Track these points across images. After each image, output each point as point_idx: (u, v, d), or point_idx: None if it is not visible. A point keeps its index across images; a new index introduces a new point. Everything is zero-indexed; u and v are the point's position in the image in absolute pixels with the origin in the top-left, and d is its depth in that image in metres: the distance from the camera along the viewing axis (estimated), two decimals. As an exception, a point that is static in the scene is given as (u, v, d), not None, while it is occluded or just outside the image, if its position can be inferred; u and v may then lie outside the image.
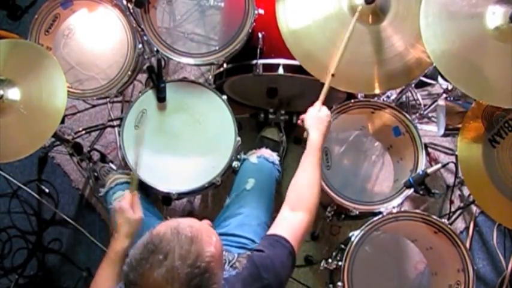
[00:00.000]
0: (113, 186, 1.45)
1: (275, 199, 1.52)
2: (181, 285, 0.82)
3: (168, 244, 0.84)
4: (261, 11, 1.53)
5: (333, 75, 1.35)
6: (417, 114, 1.96)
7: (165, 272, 0.82)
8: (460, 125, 1.48)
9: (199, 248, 0.85)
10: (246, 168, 1.52)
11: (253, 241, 1.34)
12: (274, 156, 1.58)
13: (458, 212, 1.99)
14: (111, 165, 2.00)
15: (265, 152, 1.57)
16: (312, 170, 1.24)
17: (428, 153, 2.08)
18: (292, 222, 1.15)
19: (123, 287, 1.03)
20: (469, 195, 1.99)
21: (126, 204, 1.19)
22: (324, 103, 1.36)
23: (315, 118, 1.32)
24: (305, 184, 1.22)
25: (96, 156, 2.03)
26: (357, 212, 1.51)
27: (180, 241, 0.84)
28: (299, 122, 1.39)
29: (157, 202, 1.62)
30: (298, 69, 1.44)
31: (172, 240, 0.84)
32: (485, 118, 1.46)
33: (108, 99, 2.03)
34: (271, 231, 1.14)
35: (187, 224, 0.89)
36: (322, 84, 1.38)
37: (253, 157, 1.54)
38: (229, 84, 1.77)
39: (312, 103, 1.37)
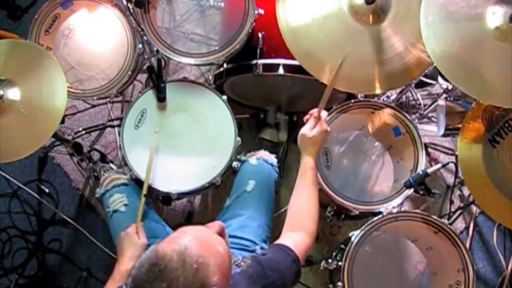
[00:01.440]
0: (109, 189, 1.44)
1: (274, 199, 1.52)
2: None
3: (172, 273, 0.81)
4: (261, 11, 1.53)
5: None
6: (417, 114, 1.96)
7: None
8: (460, 125, 1.48)
9: (205, 277, 0.82)
10: (245, 170, 1.52)
11: (254, 243, 1.35)
12: (272, 158, 1.58)
13: (458, 212, 1.99)
14: (111, 165, 2.00)
15: (264, 154, 1.58)
16: (306, 191, 1.26)
17: (428, 153, 2.08)
18: (294, 238, 1.18)
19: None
20: (469, 195, 1.99)
21: (132, 230, 1.29)
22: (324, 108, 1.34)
23: (306, 140, 1.30)
24: (300, 207, 1.25)
25: (96, 156, 2.03)
26: (357, 212, 1.51)
27: (185, 271, 0.82)
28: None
29: (157, 202, 1.62)
30: (298, 69, 1.44)
31: (177, 268, 0.81)
32: (485, 118, 1.46)
33: (108, 99, 2.03)
34: (276, 242, 1.17)
35: (196, 245, 0.84)
36: (323, 85, 1.38)
37: (253, 159, 1.54)
38: (229, 84, 1.77)
39: (311, 105, 1.36)
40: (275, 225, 1.50)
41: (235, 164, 1.53)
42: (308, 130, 1.30)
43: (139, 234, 1.29)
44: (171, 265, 0.82)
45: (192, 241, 0.85)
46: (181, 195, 1.54)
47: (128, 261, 1.22)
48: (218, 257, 0.86)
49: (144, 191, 1.38)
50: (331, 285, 1.54)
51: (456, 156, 1.47)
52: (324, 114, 1.33)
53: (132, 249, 1.25)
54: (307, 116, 1.35)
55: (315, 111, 1.32)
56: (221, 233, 0.96)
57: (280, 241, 1.16)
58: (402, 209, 1.47)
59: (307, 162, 1.28)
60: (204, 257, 0.83)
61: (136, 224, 1.32)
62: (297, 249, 1.13)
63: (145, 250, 1.18)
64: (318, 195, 1.26)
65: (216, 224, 0.98)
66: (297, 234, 1.19)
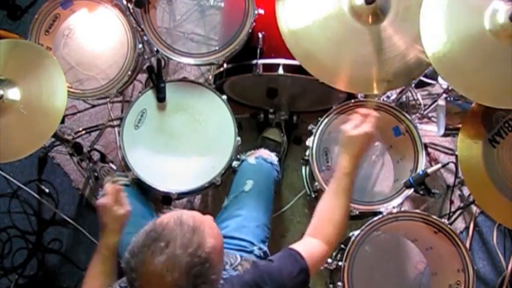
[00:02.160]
0: None
1: (274, 199, 1.51)
2: (181, 273, 0.83)
3: (170, 233, 0.85)
4: (261, 11, 1.53)
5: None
6: (417, 114, 1.96)
7: (165, 259, 0.83)
8: (460, 125, 1.48)
9: (201, 238, 0.86)
10: (244, 170, 1.52)
11: (252, 243, 1.34)
12: (272, 157, 1.57)
13: (458, 212, 1.99)
14: (111, 165, 2.00)
15: (264, 153, 1.57)
16: (335, 199, 1.17)
17: (428, 153, 2.08)
18: (311, 244, 1.13)
19: (122, 284, 1.04)
20: (469, 195, 1.99)
21: (109, 200, 1.15)
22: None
23: (347, 137, 1.18)
24: (326, 214, 1.17)
25: (96, 156, 2.03)
26: (357, 212, 1.51)
27: (183, 230, 0.85)
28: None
29: (157, 202, 1.62)
30: (298, 69, 1.44)
31: (174, 229, 0.85)
32: (485, 118, 1.46)
33: (108, 99, 2.03)
34: (291, 246, 1.11)
35: (191, 214, 0.90)
36: (323, 85, 1.38)
37: (252, 158, 1.54)
38: (229, 84, 1.77)
39: (313, 105, 1.35)
40: (275, 225, 1.50)
41: (235, 163, 1.53)
42: (350, 127, 1.20)
43: (120, 201, 1.16)
44: (169, 227, 0.86)
45: (186, 212, 0.91)
46: (181, 195, 1.54)
47: (111, 234, 1.15)
48: (211, 225, 0.92)
49: None
50: (331, 285, 1.54)
51: (456, 156, 1.47)
52: (373, 114, 1.23)
53: (113, 222, 1.15)
54: (354, 115, 1.25)
55: (362, 110, 1.24)
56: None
57: (294, 245, 1.11)
58: (402, 209, 1.47)
59: (343, 165, 1.17)
60: (198, 220, 0.89)
61: (112, 188, 1.17)
62: (310, 257, 1.07)
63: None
64: (348, 204, 1.17)
65: (207, 216, 0.97)
66: (315, 242, 1.13)
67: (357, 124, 1.20)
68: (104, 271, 1.13)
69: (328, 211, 1.17)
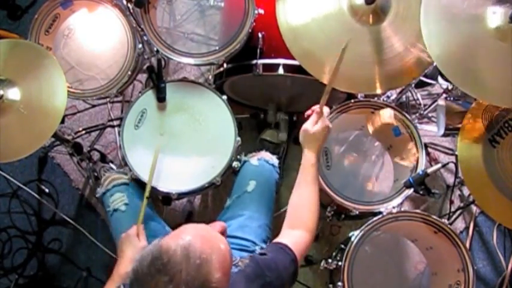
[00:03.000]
0: (110, 188, 1.44)
1: (274, 200, 1.52)
2: None
3: (175, 266, 0.82)
4: (261, 11, 1.53)
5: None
6: (417, 114, 1.96)
7: None
8: (460, 125, 1.48)
9: (207, 273, 0.83)
10: (246, 170, 1.52)
11: (254, 243, 1.35)
12: (274, 159, 1.58)
13: (458, 212, 1.99)
14: (111, 165, 2.00)
15: (266, 155, 1.57)
16: (307, 188, 1.25)
17: (428, 153, 2.08)
18: (293, 236, 1.18)
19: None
20: (469, 195, 1.99)
21: (132, 232, 1.26)
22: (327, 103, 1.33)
23: (309, 135, 1.29)
24: (301, 203, 1.25)
25: (96, 156, 2.03)
26: (357, 212, 1.51)
27: (188, 266, 0.82)
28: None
29: (157, 202, 1.62)
30: (298, 69, 1.44)
31: (180, 263, 0.82)
32: (485, 118, 1.46)
33: (108, 99, 2.03)
34: (274, 241, 1.17)
35: (199, 248, 0.84)
36: (323, 85, 1.38)
37: (254, 159, 1.54)
38: (229, 84, 1.77)
39: (312, 105, 1.36)
40: (275, 225, 1.50)
41: (235, 164, 1.53)
42: (310, 125, 1.29)
43: (140, 236, 1.27)
44: (175, 259, 0.82)
45: (195, 237, 0.85)
46: (181, 195, 1.54)
47: (127, 263, 1.21)
48: (220, 254, 0.86)
49: (147, 193, 1.37)
50: (331, 285, 1.54)
51: (456, 156, 1.47)
52: (325, 110, 1.33)
53: (132, 251, 1.23)
54: (308, 112, 1.35)
55: (316, 107, 1.32)
56: (223, 233, 0.97)
57: (279, 239, 1.16)
58: (402, 209, 1.47)
59: (308, 159, 1.27)
60: (207, 253, 0.84)
61: (137, 225, 1.30)
62: (296, 248, 1.13)
63: None
64: (318, 192, 1.26)
65: (218, 224, 0.98)
66: (296, 232, 1.19)
67: (314, 121, 1.30)
68: None
69: (303, 201, 1.24)
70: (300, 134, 1.32)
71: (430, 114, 1.98)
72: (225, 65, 1.66)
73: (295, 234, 1.18)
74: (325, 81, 1.36)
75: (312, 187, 1.25)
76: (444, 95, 1.69)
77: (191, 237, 0.85)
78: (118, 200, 1.41)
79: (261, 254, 1.12)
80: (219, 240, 0.90)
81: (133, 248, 1.24)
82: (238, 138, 1.53)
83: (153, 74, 1.55)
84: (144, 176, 1.46)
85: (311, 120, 1.31)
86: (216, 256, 0.85)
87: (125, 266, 1.21)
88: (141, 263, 0.84)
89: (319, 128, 1.29)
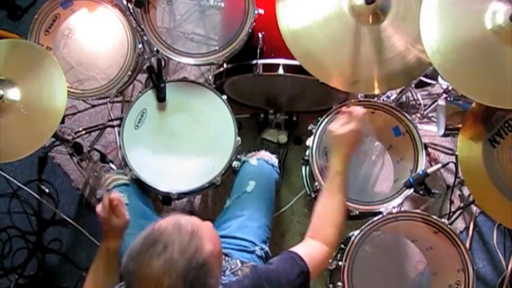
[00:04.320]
0: (110, 188, 1.44)
1: (274, 200, 1.52)
2: (178, 277, 0.82)
3: (168, 237, 0.85)
4: (261, 11, 1.53)
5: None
6: (417, 114, 1.96)
7: (163, 263, 0.82)
8: (460, 125, 1.48)
9: (199, 243, 0.86)
10: (246, 171, 1.52)
11: (254, 243, 1.35)
12: (273, 159, 1.57)
13: (458, 212, 1.99)
14: (111, 165, 2.00)
15: (265, 155, 1.57)
16: (331, 198, 1.18)
17: (428, 153, 2.08)
18: (311, 246, 1.13)
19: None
20: (469, 195, 1.99)
21: (105, 213, 1.13)
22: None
23: (334, 137, 1.20)
24: (323, 214, 1.18)
25: (96, 156, 2.03)
26: (357, 212, 1.51)
27: (180, 235, 0.85)
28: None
29: (157, 202, 1.62)
30: (298, 69, 1.44)
31: (172, 233, 0.85)
32: (485, 118, 1.46)
33: (108, 99, 2.03)
34: (291, 248, 1.12)
35: (189, 220, 0.90)
36: (323, 85, 1.38)
37: (253, 159, 1.54)
38: (229, 84, 1.77)
39: (313, 105, 1.35)
40: (275, 225, 1.50)
41: (235, 164, 1.53)
42: (336, 126, 1.20)
43: (118, 212, 1.14)
44: (167, 231, 0.85)
45: (184, 216, 0.90)
46: (181, 195, 1.54)
47: (111, 239, 1.16)
48: (210, 230, 0.91)
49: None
50: (331, 285, 1.54)
51: (456, 156, 1.46)
52: (359, 110, 1.21)
53: (112, 231, 1.16)
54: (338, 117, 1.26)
55: (345, 108, 1.23)
56: None
57: (295, 248, 1.11)
58: (402, 209, 1.47)
59: (333, 166, 1.19)
60: (197, 225, 0.88)
61: (107, 200, 1.13)
62: (310, 259, 1.07)
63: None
64: (344, 202, 1.19)
65: (206, 222, 0.97)
66: (316, 244, 1.14)
67: (344, 122, 1.20)
68: (104, 273, 1.14)
69: (325, 212, 1.18)
70: (327, 135, 1.25)
71: (430, 114, 1.98)
72: (225, 65, 1.66)
73: (313, 245, 1.13)
74: (325, 82, 1.36)
75: (336, 198, 1.17)
76: (444, 95, 1.69)
77: (180, 216, 0.90)
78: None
79: (269, 263, 1.08)
80: (206, 224, 0.93)
81: (113, 229, 1.15)
82: (238, 138, 1.53)
83: (153, 74, 1.55)
84: (145, 177, 1.46)
85: (339, 121, 1.22)
86: (206, 231, 0.89)
87: (112, 241, 1.16)
88: (134, 243, 0.87)
89: (347, 129, 1.18)
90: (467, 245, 1.89)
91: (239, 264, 1.11)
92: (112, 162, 2.03)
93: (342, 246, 1.53)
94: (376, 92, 1.42)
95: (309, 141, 1.54)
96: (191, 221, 0.89)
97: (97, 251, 1.18)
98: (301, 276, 1.05)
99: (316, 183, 1.53)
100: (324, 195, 1.20)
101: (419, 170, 1.49)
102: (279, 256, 1.10)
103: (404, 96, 1.99)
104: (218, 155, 1.51)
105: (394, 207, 1.46)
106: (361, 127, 1.18)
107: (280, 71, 1.58)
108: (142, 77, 2.00)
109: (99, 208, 1.14)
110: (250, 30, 1.52)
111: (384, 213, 1.42)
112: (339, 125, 1.20)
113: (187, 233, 0.86)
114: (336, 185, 1.18)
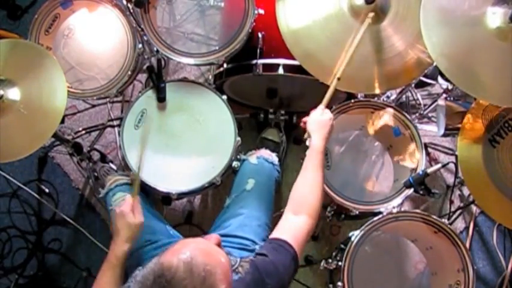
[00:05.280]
0: (112, 188, 1.44)
1: (274, 199, 1.51)
2: None
3: (180, 282, 0.81)
4: (261, 11, 1.53)
5: (338, 78, 1.34)
6: (417, 114, 1.96)
7: None
8: (460, 125, 1.48)
9: (212, 286, 0.83)
10: (245, 169, 1.52)
11: (254, 242, 1.34)
12: (273, 157, 1.57)
13: (458, 212, 1.99)
14: (111, 165, 2.01)
15: (265, 153, 1.57)
16: (313, 172, 1.25)
17: (428, 153, 2.08)
18: (295, 225, 1.15)
19: None
20: (469, 195, 1.99)
21: (127, 208, 1.17)
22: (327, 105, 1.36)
23: (317, 122, 1.32)
24: (307, 187, 1.23)
25: (96, 156, 2.03)
26: (357, 212, 1.51)
27: (193, 280, 0.81)
28: (301, 124, 1.38)
29: (157, 202, 1.62)
30: (298, 69, 1.44)
31: (184, 278, 0.81)
32: (485, 118, 1.46)
33: (108, 99, 2.03)
34: (274, 234, 1.14)
35: (201, 261, 0.83)
36: (323, 85, 1.38)
37: (253, 158, 1.54)
38: (229, 84, 1.77)
39: (314, 104, 1.36)
40: (275, 225, 1.50)
41: (235, 163, 1.53)
42: (318, 114, 1.34)
43: (135, 212, 1.18)
44: (179, 275, 0.81)
45: (195, 251, 0.84)
46: (181, 195, 1.54)
47: (123, 243, 1.16)
48: (223, 266, 0.86)
49: (140, 164, 1.26)
50: (331, 285, 1.54)
51: (456, 156, 1.47)
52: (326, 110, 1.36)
53: (127, 230, 1.16)
54: (301, 124, 1.37)
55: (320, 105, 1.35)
56: (218, 245, 0.96)
57: (278, 234, 1.13)
58: (402, 209, 1.47)
59: (316, 145, 1.29)
60: (210, 265, 0.83)
61: (132, 200, 1.20)
62: (296, 242, 1.10)
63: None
64: (323, 178, 1.26)
65: (214, 237, 0.97)
66: (299, 219, 1.16)
67: (321, 111, 1.34)
68: (111, 280, 1.13)
69: (308, 185, 1.23)
70: (307, 123, 1.34)
71: (430, 114, 1.98)
72: (225, 65, 1.66)
73: (297, 222, 1.16)
74: (325, 82, 1.36)
75: (318, 172, 1.25)
76: (444, 95, 1.69)
77: (191, 251, 0.84)
78: (120, 199, 1.41)
79: (261, 254, 1.10)
80: (218, 253, 0.89)
81: (128, 227, 1.17)
82: (238, 138, 1.53)
83: (153, 74, 1.55)
84: (145, 177, 1.46)
85: (318, 110, 1.35)
86: (219, 268, 0.84)
87: (120, 246, 1.16)
88: (143, 283, 0.83)
89: (326, 117, 1.33)
90: (467, 245, 1.89)
91: (238, 260, 1.11)
92: (112, 162, 2.03)
93: (342, 246, 1.53)
94: (376, 92, 1.42)
95: (309, 141, 1.54)
96: (204, 263, 0.83)
97: (105, 258, 1.17)
98: (293, 262, 1.08)
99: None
100: (306, 171, 1.26)
101: (419, 170, 1.49)
102: (269, 245, 1.11)
103: (404, 96, 1.99)
104: (218, 155, 1.51)
105: (394, 207, 1.46)
106: (332, 116, 1.35)
107: (280, 71, 1.58)
108: (142, 77, 2.00)
109: (121, 205, 1.19)
110: (250, 30, 1.52)
111: (384, 213, 1.42)
112: (319, 112, 1.34)
113: (199, 278, 0.81)
114: (318, 161, 1.26)
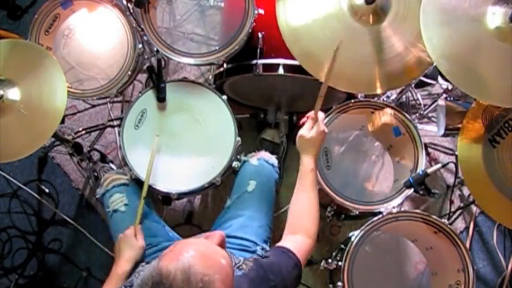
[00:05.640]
0: (109, 189, 1.44)
1: (274, 200, 1.52)
2: None
3: None
4: (261, 11, 1.53)
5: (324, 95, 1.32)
6: (417, 114, 1.96)
7: None
8: (460, 125, 1.48)
9: None
10: (246, 170, 1.52)
11: (255, 243, 1.35)
12: (273, 159, 1.58)
13: (458, 212, 1.99)
14: (111, 165, 2.01)
15: (265, 155, 1.57)
16: (306, 193, 1.25)
17: (428, 153, 2.08)
18: (296, 240, 1.18)
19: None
20: (469, 195, 1.99)
21: (130, 232, 1.29)
22: (322, 108, 1.33)
23: (306, 140, 1.29)
24: (301, 210, 1.25)
25: (96, 156, 2.03)
26: (357, 212, 1.51)
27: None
28: (301, 124, 1.36)
29: (157, 202, 1.62)
30: (298, 69, 1.44)
31: (182, 287, 0.79)
32: (485, 118, 1.46)
33: (108, 99, 2.03)
34: (278, 244, 1.16)
35: (200, 269, 0.80)
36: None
37: (254, 159, 1.54)
38: (229, 84, 1.77)
39: (311, 105, 1.36)
40: (275, 225, 1.50)
41: (235, 164, 1.53)
42: (306, 131, 1.30)
43: (138, 236, 1.30)
44: (176, 284, 0.79)
45: (195, 257, 0.82)
46: (181, 195, 1.54)
47: (125, 263, 1.23)
48: (222, 272, 0.83)
49: (144, 194, 1.38)
50: (331, 285, 1.54)
51: (456, 156, 1.47)
52: (321, 115, 1.32)
53: (129, 252, 1.25)
54: (304, 119, 1.35)
55: (312, 113, 1.32)
56: (222, 243, 0.93)
57: (282, 243, 1.16)
58: (402, 209, 1.47)
59: (306, 164, 1.28)
60: (209, 274, 0.81)
61: (135, 226, 1.33)
62: (299, 252, 1.12)
63: (143, 251, 1.25)
64: (318, 196, 1.26)
65: (217, 234, 0.94)
66: (298, 237, 1.19)
67: (310, 127, 1.30)
68: None
69: (302, 207, 1.24)
70: (296, 141, 1.31)
71: (430, 114, 1.98)
72: (225, 65, 1.66)
73: (297, 239, 1.18)
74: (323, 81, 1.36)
75: (311, 193, 1.25)
76: (444, 95, 1.69)
77: (191, 258, 0.82)
78: (117, 201, 1.41)
79: (264, 256, 1.11)
80: (219, 255, 0.86)
81: (130, 249, 1.26)
82: (238, 138, 1.53)
83: (153, 74, 1.55)
84: (144, 176, 1.46)
85: (306, 126, 1.31)
86: (218, 275, 0.82)
87: (122, 266, 1.23)
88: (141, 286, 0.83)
89: (314, 133, 1.29)
90: (467, 245, 1.90)
91: (242, 259, 1.11)
92: (112, 162, 2.03)
93: (342, 246, 1.53)
94: (377, 92, 1.42)
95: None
96: (203, 273, 0.80)
97: (108, 276, 1.22)
98: (296, 268, 1.10)
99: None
100: (299, 193, 1.27)
101: (419, 170, 1.49)
102: (272, 251, 1.14)
103: (404, 96, 1.99)
104: (218, 155, 1.51)
105: (394, 207, 1.46)
106: (324, 128, 1.30)
107: (280, 71, 1.58)
108: (142, 77, 2.00)
109: (128, 229, 1.31)
110: (250, 30, 1.52)
111: (384, 213, 1.42)
112: (307, 130, 1.30)
113: (197, 286, 0.79)
114: (309, 181, 1.26)
